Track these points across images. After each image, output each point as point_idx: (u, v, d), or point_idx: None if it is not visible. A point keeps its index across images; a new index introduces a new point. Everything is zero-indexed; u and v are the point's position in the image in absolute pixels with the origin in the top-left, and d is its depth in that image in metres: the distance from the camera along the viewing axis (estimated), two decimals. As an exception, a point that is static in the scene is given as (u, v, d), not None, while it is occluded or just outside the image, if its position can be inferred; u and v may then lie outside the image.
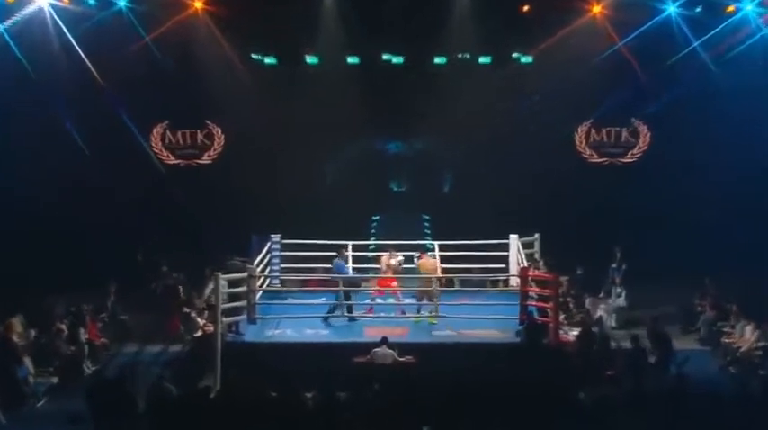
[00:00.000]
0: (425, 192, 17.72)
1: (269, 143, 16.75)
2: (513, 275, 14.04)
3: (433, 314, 12.99)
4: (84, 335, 12.64)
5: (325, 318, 12.96)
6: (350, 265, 14.37)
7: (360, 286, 14.86)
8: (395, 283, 13.56)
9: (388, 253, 13.94)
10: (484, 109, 16.18)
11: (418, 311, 13.19)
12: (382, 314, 13.37)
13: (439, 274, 13.34)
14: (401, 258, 13.62)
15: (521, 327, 12.19)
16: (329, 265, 13.86)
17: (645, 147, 17.29)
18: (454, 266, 14.56)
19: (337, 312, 13.05)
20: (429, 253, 13.94)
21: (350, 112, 16.27)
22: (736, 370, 11.91)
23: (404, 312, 13.33)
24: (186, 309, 13.79)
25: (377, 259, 14.64)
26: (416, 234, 16.11)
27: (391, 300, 13.67)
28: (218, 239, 15.25)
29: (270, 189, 16.52)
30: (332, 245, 14.03)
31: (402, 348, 11.63)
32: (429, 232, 16.93)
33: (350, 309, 13.12)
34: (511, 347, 11.94)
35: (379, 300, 13.65)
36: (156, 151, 17.36)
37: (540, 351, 11.75)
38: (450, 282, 14.90)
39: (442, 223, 16.57)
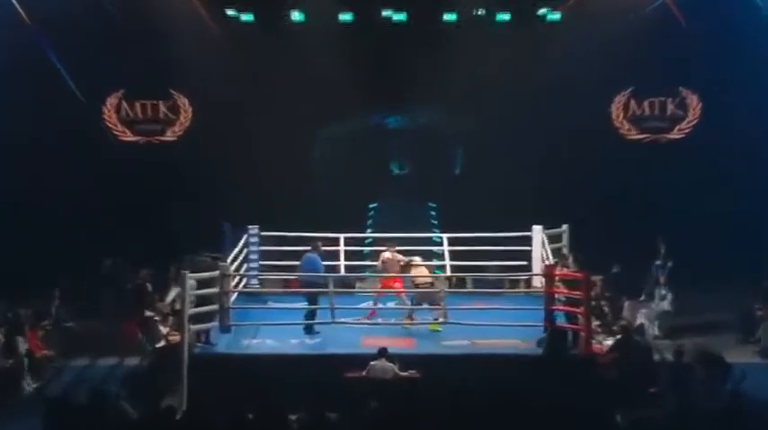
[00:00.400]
0: (431, 176, 17.75)
1: (246, 117, 16.77)
2: (537, 274, 14.09)
3: (439, 321, 13.10)
4: (23, 346, 12.71)
5: (309, 327, 13.03)
6: (341, 262, 14.43)
7: (353, 287, 15.00)
8: (398, 284, 13.68)
9: (387, 248, 14.08)
10: (501, 75, 16.21)
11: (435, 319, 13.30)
12: (380, 320, 13.51)
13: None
14: (402, 257, 13.81)
15: (543, 336, 12.28)
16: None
17: (695, 122, 17.21)
18: (466, 264, 14.69)
19: (319, 318, 13.15)
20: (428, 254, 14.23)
21: (342, 80, 16.22)
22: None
23: (412, 318, 13.37)
24: (147, 314, 13.90)
25: (374, 255, 14.72)
26: (421, 225, 16.15)
27: (391, 304, 13.83)
28: (185, 232, 15.33)
29: (246, 172, 16.47)
30: (320, 238, 14.14)
31: (405, 361, 11.71)
32: (436, 223, 16.96)
33: (312, 316, 13.12)
34: (533, 359, 12.08)
35: (386, 304, 13.75)
36: (111, 126, 17.41)
37: (567, 363, 11.87)
38: (461, 283, 15.01)
39: (452, 212, 16.63)
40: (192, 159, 16.80)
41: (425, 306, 13.31)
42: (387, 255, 13.97)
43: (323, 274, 13.34)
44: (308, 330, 13.06)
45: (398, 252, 13.93)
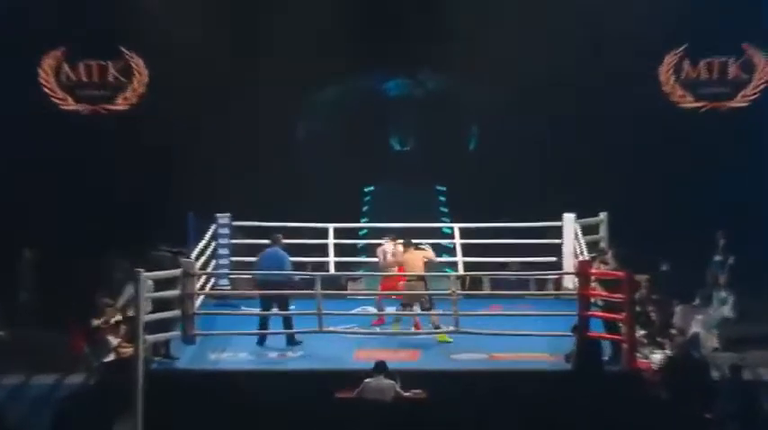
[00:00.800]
0: (440, 153, 17.77)
1: (214, 81, 16.75)
2: (569, 273, 14.13)
3: (449, 329, 13.14)
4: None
5: (291, 338, 13.07)
6: (331, 259, 14.39)
7: (344, 288, 15.05)
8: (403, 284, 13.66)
9: (390, 239, 14.01)
10: (528, 31, 16.19)
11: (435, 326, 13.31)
12: (377, 329, 13.55)
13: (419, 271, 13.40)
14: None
15: (573, 349, 12.27)
16: (305, 259, 13.87)
17: (762, 86, 17.20)
18: (483, 260, 14.70)
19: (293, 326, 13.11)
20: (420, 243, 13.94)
21: (332, 35, 16.23)
22: None
23: (418, 326, 13.49)
24: (94, 322, 13.76)
25: (370, 250, 14.71)
26: (427, 212, 16.15)
27: (392, 309, 13.89)
28: (140, 221, 15.31)
29: (215, 148, 16.57)
30: (304, 229, 14.08)
31: (407, 378, 11.66)
32: (445, 211, 17.00)
33: (265, 325, 13.14)
34: (564, 377, 12.07)
35: (391, 307, 13.77)
36: (48, 91, 17.34)
37: (604, 382, 11.80)
38: (476, 283, 14.97)
39: (465, 198, 16.63)
40: (148, 133, 16.83)
41: (416, 310, 13.37)
42: (389, 247, 13.94)
43: (311, 274, 13.45)
44: (290, 341, 13.14)
45: (403, 245, 13.82)
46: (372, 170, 17.51)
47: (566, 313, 12.92)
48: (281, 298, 13.24)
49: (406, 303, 13.46)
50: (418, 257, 13.53)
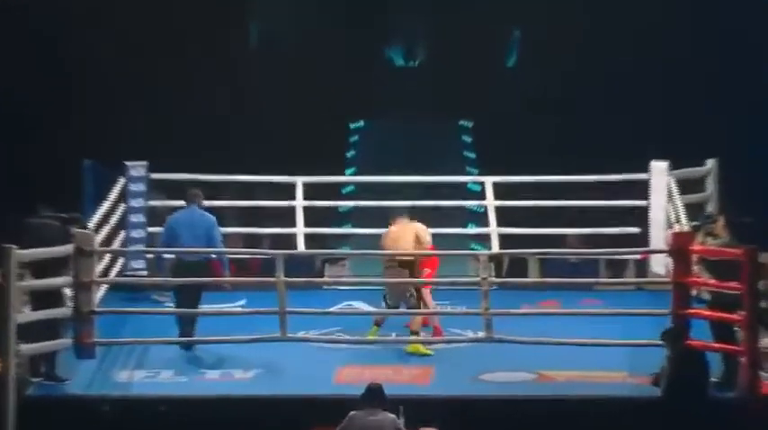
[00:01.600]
0: (465, 72, 18.01)
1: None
2: (658, 251, 14.35)
3: (420, 338, 13.37)
4: None
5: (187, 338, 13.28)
6: (299, 229, 14.55)
7: (321, 274, 15.22)
8: (429, 271, 13.90)
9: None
10: None
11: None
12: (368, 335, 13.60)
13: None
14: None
15: (664, 366, 12.09)
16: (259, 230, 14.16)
17: None
18: (528, 232, 14.93)
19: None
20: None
21: None
22: None
23: (438, 331, 13.79)
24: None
25: (357, 217, 15.21)
26: (444, 160, 16.52)
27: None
28: (12, 174, 15.55)
29: (129, 67, 17.02)
30: (258, 185, 14.41)
31: (415, 409, 11.58)
32: (472, 156, 17.26)
33: (185, 327, 13.49)
34: (649, 407, 11.97)
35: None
36: None
37: (709, 415, 11.67)
38: (518, 267, 15.21)
39: (501, 138, 16.82)
40: (33, 41, 17.22)
41: (402, 308, 13.68)
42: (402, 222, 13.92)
43: (268, 252, 13.60)
44: (186, 346, 13.43)
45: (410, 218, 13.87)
46: (362, 97, 17.71)
47: (653, 311, 12.95)
48: (192, 286, 13.42)
49: (390, 301, 13.72)
50: (409, 232, 13.54)
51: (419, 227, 13.62)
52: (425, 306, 13.88)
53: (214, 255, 13.57)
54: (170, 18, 17.30)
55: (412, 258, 13.45)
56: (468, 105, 17.86)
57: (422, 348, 13.36)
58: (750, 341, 12.14)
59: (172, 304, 14.00)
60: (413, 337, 13.44)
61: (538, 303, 13.84)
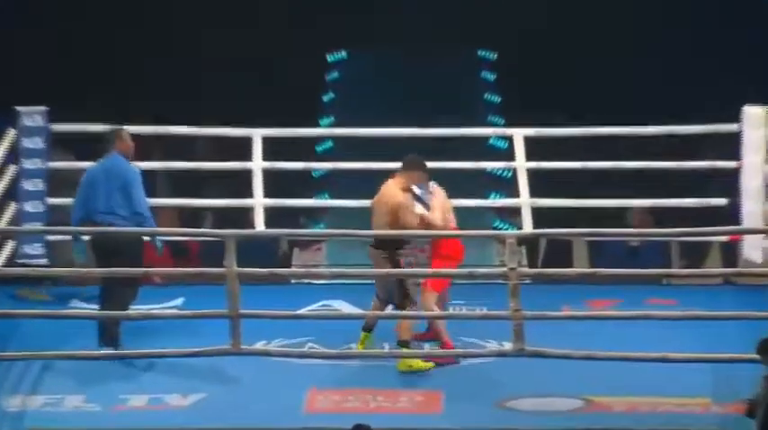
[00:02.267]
0: None
1: None
2: (754, 231, 14.75)
3: (413, 351, 13.54)
4: None
5: (107, 337, 13.45)
6: (257, 200, 14.80)
7: (289, 263, 15.48)
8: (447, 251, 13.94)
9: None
10: None
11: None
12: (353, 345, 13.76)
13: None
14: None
15: (762, 389, 11.91)
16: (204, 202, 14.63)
17: None
18: (572, 204, 15.38)
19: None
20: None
21: None
22: None
23: (447, 345, 13.80)
24: None
25: (336, 184, 15.43)
26: (458, 105, 16.78)
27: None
28: None
29: None
30: (201, 139, 14.94)
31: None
32: (496, 100, 17.48)
33: (109, 328, 13.66)
34: None
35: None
36: None
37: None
38: (556, 253, 15.33)
39: (536, 76, 16.97)
40: None
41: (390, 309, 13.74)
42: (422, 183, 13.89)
43: (215, 232, 13.89)
44: (107, 341, 13.53)
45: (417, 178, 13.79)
46: (344, 18, 17.89)
47: (746, 314, 13.08)
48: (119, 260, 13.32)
49: (381, 295, 13.80)
50: (388, 199, 13.38)
51: (410, 196, 13.35)
52: (421, 308, 13.67)
53: (138, 220, 13.29)
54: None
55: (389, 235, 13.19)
56: (488, 33, 18.08)
57: (416, 362, 13.27)
58: None
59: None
60: (404, 351, 13.27)
61: (585, 303, 13.97)
